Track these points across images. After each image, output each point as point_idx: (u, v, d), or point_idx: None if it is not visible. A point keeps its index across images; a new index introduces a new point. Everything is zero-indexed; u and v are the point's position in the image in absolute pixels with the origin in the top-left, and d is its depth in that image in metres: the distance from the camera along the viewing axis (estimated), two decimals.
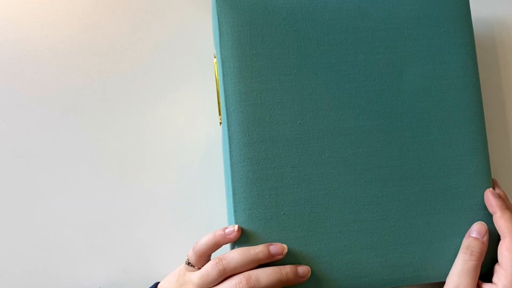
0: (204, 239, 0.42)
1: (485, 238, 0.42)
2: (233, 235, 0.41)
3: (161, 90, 0.52)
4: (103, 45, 0.52)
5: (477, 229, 0.43)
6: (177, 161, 0.51)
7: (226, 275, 0.40)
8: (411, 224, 0.44)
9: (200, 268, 0.42)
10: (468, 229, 0.44)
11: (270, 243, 0.41)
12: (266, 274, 0.40)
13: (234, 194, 0.42)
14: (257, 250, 0.40)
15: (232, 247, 0.42)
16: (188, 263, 0.43)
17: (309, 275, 0.41)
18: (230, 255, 0.40)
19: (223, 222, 0.46)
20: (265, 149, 0.43)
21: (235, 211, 0.42)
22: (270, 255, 0.41)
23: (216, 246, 0.42)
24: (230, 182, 0.43)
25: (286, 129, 0.43)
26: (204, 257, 0.42)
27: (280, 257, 0.41)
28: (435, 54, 0.46)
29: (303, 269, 0.41)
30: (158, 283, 0.46)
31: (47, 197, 0.50)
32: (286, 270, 0.40)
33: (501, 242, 0.42)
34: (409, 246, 0.43)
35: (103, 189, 0.51)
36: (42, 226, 0.50)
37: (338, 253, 0.43)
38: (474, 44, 0.47)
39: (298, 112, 0.44)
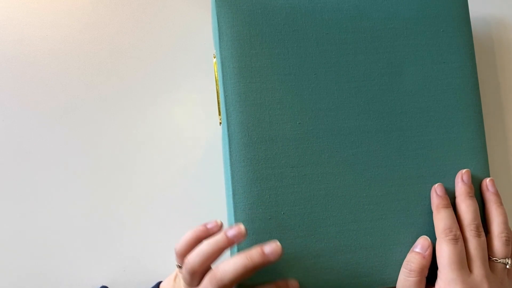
0: (183, 238, 0.40)
1: (427, 253, 0.42)
2: (215, 230, 0.40)
3: (161, 90, 0.52)
4: (103, 45, 0.52)
5: (420, 244, 0.42)
6: (177, 161, 0.51)
7: (196, 274, 0.39)
8: (410, 224, 0.44)
9: None
10: None
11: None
12: (231, 262, 0.38)
13: (234, 194, 0.42)
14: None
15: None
16: (178, 266, 0.42)
17: (279, 252, 0.38)
18: (221, 268, 0.38)
19: (224, 222, 0.46)
20: (265, 149, 0.43)
21: (235, 211, 0.42)
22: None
23: (197, 241, 0.40)
24: (230, 182, 0.43)
25: (286, 129, 0.43)
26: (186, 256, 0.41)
27: (241, 239, 0.39)
28: (434, 54, 0.46)
29: (270, 248, 0.38)
30: (160, 282, 0.46)
31: (47, 197, 0.50)
32: (250, 253, 0.38)
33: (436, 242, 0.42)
34: (408, 246, 0.43)
35: (103, 189, 0.51)
36: (42, 226, 0.50)
37: (338, 253, 0.43)
38: (472, 44, 0.47)
39: (298, 112, 0.44)
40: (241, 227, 0.39)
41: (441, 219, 0.42)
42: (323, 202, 0.43)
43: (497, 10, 0.56)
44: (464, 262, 0.41)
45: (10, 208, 0.50)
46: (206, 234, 0.40)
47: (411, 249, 0.43)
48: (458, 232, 0.41)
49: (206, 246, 0.38)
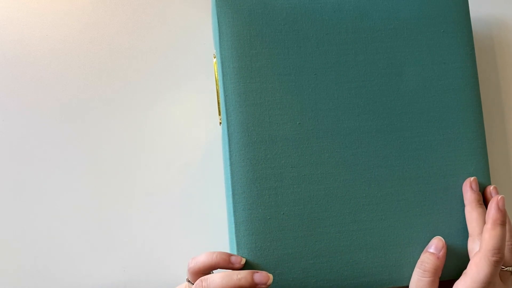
0: (203, 257, 0.40)
1: (441, 254, 0.42)
2: (237, 266, 0.40)
3: (161, 90, 0.52)
4: (103, 45, 0.52)
5: (434, 244, 0.42)
6: (177, 161, 0.51)
7: None
8: (410, 224, 0.44)
9: None
10: (466, 229, 0.44)
11: (256, 271, 0.40)
12: (218, 277, 0.38)
13: (233, 194, 0.42)
14: (239, 276, 0.38)
15: None
16: (188, 280, 0.42)
17: (269, 282, 0.39)
18: (211, 278, 0.39)
19: (223, 222, 0.47)
20: (265, 149, 0.43)
21: (235, 211, 0.42)
22: (253, 283, 0.39)
23: (214, 267, 0.40)
24: (230, 182, 0.43)
25: (285, 129, 0.43)
26: (199, 275, 0.41)
27: (263, 286, 0.39)
28: (434, 55, 0.46)
29: (260, 276, 0.39)
30: None
31: (47, 197, 0.50)
32: (240, 275, 0.39)
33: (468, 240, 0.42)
34: (408, 246, 0.43)
35: (103, 189, 0.51)
36: (42, 226, 0.50)
37: (338, 253, 0.43)
38: (473, 44, 0.47)
39: (298, 112, 0.44)
40: (270, 277, 0.39)
41: (494, 237, 0.40)
42: (323, 202, 0.43)
43: (497, 10, 0.56)
44: None
45: (10, 208, 0.50)
46: (226, 265, 0.40)
47: (425, 249, 0.43)
48: (504, 254, 0.40)
49: (227, 280, 0.38)
